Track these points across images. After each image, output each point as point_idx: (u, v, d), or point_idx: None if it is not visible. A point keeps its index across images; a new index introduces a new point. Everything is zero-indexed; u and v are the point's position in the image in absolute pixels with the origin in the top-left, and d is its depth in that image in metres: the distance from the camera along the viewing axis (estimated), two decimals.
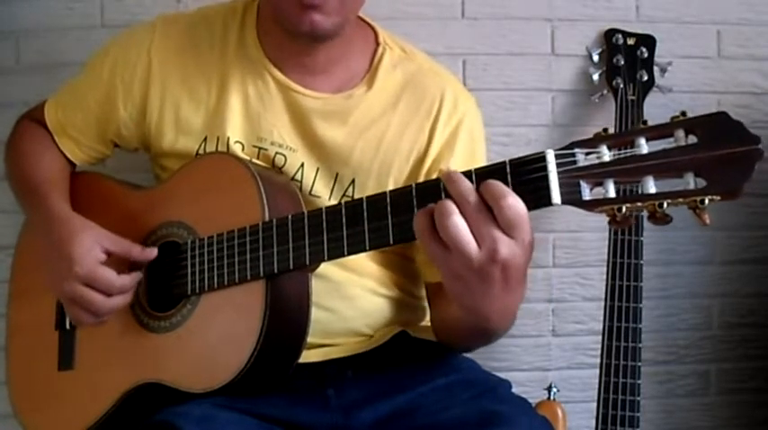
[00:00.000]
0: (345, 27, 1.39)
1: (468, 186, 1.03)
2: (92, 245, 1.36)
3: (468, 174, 1.06)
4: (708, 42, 2.04)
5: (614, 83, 1.92)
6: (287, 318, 1.29)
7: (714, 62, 2.05)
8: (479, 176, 1.05)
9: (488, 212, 1.01)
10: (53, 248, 1.38)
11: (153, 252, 1.39)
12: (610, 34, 1.96)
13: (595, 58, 1.97)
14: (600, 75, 1.96)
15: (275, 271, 1.26)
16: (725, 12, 2.04)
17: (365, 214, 1.16)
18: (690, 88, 2.02)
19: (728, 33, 2.05)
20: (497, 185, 1.01)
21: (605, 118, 1.95)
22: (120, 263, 1.37)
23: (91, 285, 1.34)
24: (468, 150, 1.48)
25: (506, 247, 1.01)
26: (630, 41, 1.95)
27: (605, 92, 1.95)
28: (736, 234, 2.08)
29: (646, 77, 1.92)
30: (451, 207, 1.01)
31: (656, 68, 1.94)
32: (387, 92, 1.47)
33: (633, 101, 1.91)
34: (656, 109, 1.91)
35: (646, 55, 1.93)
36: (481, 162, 1.51)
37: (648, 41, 1.95)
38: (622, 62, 1.93)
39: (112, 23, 1.91)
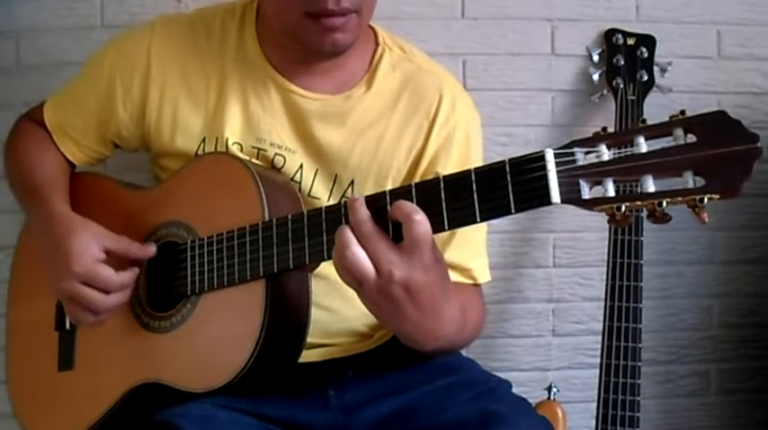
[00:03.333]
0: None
1: (364, 213, 1.10)
2: (90, 243, 1.35)
3: (466, 173, 1.08)
4: (708, 42, 2.04)
5: (614, 83, 1.93)
6: (287, 318, 1.29)
7: (714, 62, 2.05)
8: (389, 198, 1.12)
9: (385, 237, 1.09)
10: (52, 247, 1.38)
11: (152, 249, 1.39)
12: (610, 34, 1.96)
13: (595, 58, 1.97)
14: (600, 75, 1.96)
15: (275, 271, 1.26)
16: (725, 12, 2.04)
17: None
18: (690, 88, 2.02)
19: (728, 33, 2.05)
20: (409, 204, 1.08)
21: (605, 118, 1.95)
22: (118, 261, 1.37)
23: (89, 283, 1.33)
24: (463, 154, 1.47)
25: (402, 268, 1.08)
26: (630, 41, 1.95)
27: (605, 92, 1.95)
28: (736, 234, 2.08)
29: (646, 77, 1.93)
30: (348, 238, 1.09)
31: (656, 68, 1.94)
32: (385, 93, 1.46)
33: (633, 101, 1.91)
34: (655, 109, 1.91)
35: (646, 55, 1.93)
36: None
37: (648, 41, 1.95)
38: (622, 62, 1.93)
39: (112, 23, 1.91)
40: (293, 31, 1.34)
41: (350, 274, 1.10)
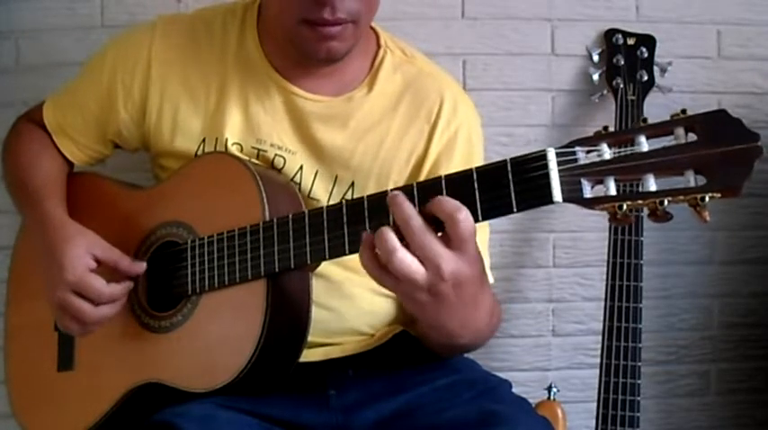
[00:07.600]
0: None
1: (411, 210, 1.06)
2: (83, 252, 1.35)
3: (467, 173, 1.08)
4: (708, 42, 2.05)
5: (614, 83, 1.93)
6: (288, 318, 1.29)
7: (714, 62, 2.05)
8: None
9: (431, 232, 1.06)
10: (46, 254, 1.38)
11: (141, 266, 1.39)
12: (610, 34, 1.96)
13: (595, 58, 1.97)
14: (600, 75, 1.96)
15: (276, 270, 1.25)
16: (725, 12, 2.04)
17: (366, 213, 1.16)
18: (690, 88, 2.02)
19: (728, 33, 2.05)
20: (452, 201, 1.05)
21: (605, 118, 1.95)
22: (111, 271, 1.37)
23: (80, 293, 1.33)
24: (465, 157, 1.47)
25: (451, 264, 1.06)
26: (630, 41, 1.95)
27: (605, 92, 1.95)
28: (736, 234, 2.08)
29: (646, 77, 1.93)
30: (394, 243, 1.05)
31: (656, 68, 1.94)
32: (387, 95, 1.46)
33: (633, 101, 1.91)
34: (656, 109, 1.91)
35: (646, 55, 1.94)
36: None
37: (648, 41, 1.95)
38: (622, 62, 1.93)
39: (112, 23, 1.91)
40: (290, 35, 1.35)
41: (399, 278, 1.07)
